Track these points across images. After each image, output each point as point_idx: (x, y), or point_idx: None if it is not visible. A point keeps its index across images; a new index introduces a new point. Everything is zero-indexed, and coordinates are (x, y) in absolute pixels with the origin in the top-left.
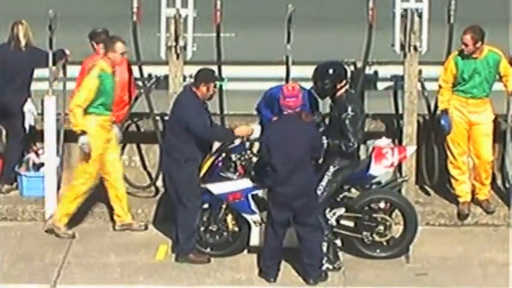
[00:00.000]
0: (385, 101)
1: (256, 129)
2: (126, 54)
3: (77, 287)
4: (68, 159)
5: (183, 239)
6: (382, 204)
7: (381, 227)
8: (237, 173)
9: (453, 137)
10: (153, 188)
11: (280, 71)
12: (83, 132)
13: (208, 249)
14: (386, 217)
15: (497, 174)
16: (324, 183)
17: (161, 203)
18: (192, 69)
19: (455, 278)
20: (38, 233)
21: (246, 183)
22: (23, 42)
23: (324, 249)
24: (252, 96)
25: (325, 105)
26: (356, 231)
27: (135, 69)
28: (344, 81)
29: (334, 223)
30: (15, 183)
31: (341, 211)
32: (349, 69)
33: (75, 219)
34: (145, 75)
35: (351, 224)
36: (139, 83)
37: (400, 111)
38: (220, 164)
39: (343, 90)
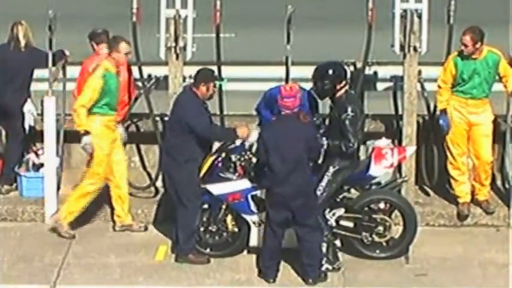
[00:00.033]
0: (385, 102)
1: (253, 134)
2: (130, 54)
3: (76, 287)
4: (68, 159)
5: (182, 240)
6: (381, 205)
7: (381, 228)
8: (237, 174)
9: (453, 137)
10: (152, 189)
11: (279, 71)
12: (86, 133)
13: (208, 250)
14: (386, 218)
15: (496, 174)
16: (323, 183)
17: (161, 204)
18: (192, 70)
19: (454, 278)
20: (38, 234)
21: (246, 183)
22: (22, 43)
23: (324, 249)
24: (252, 97)
25: (324, 105)
26: (355, 231)
27: (135, 70)
28: (344, 82)
29: (334, 224)
30: (14, 184)
31: (341, 212)
32: (349, 69)
33: (75, 220)
34: (145, 76)
35: (350, 224)
36: (139, 83)
37: (400, 112)
38: (220, 164)
39: (342, 90)
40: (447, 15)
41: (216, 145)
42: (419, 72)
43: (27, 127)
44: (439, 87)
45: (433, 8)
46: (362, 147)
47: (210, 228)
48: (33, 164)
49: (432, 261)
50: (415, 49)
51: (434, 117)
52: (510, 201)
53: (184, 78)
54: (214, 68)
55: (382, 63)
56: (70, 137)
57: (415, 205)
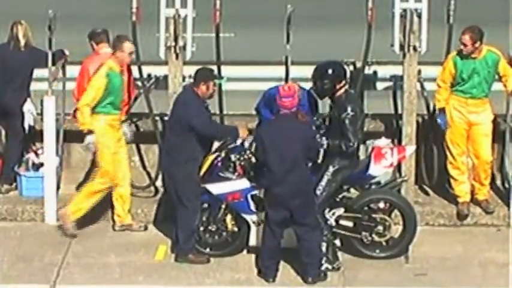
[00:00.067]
0: (385, 101)
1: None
2: (133, 54)
3: (76, 287)
4: (68, 159)
5: (182, 239)
6: (381, 204)
7: (380, 227)
8: (236, 173)
9: (452, 137)
10: (152, 188)
11: (279, 71)
12: (90, 132)
13: (208, 249)
14: (386, 217)
15: (496, 174)
16: (323, 183)
17: (161, 203)
18: (192, 70)
19: (454, 278)
20: (38, 233)
21: (245, 183)
22: (22, 42)
23: (323, 249)
24: (252, 96)
25: (324, 105)
26: (355, 231)
27: (135, 70)
28: (343, 81)
29: (334, 223)
30: (14, 184)
31: (340, 211)
32: (349, 69)
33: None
34: (145, 76)
35: (350, 224)
36: (139, 83)
37: (400, 111)
38: (219, 164)
39: (342, 90)
40: (447, 15)
41: (216, 145)
42: (419, 71)
43: (26, 127)
44: (438, 86)
45: (432, 7)
46: (362, 147)
47: (209, 227)
48: (33, 164)
49: (432, 261)
50: (414, 49)
51: (434, 116)
52: (510, 200)
53: (184, 78)
54: (214, 68)
55: (381, 62)
56: (70, 136)
57: (414, 205)
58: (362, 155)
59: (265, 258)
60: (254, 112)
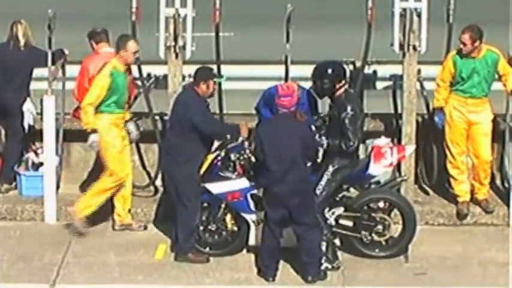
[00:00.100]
0: (384, 101)
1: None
2: (138, 53)
3: (76, 286)
4: (67, 158)
5: (182, 238)
6: (381, 204)
7: (380, 227)
8: (236, 173)
9: (452, 136)
10: (152, 188)
11: (279, 70)
12: (93, 131)
13: (207, 249)
14: (385, 216)
15: (496, 173)
16: (323, 182)
17: (160, 203)
18: (191, 69)
19: (454, 277)
20: (37, 233)
21: (245, 182)
22: (22, 42)
23: (323, 248)
24: (251, 96)
25: (324, 104)
26: (355, 230)
27: (134, 69)
28: (343, 81)
29: (333, 222)
30: (14, 183)
31: (340, 210)
32: (348, 68)
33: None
34: (145, 75)
35: (349, 223)
36: (139, 82)
37: (399, 111)
38: (219, 163)
39: (342, 89)
40: (447, 14)
41: (216, 144)
42: (419, 71)
43: (26, 126)
44: (438, 85)
45: (432, 7)
46: (361, 146)
47: (209, 227)
48: (33, 163)
49: (431, 260)
50: (414, 48)
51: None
52: (509, 200)
53: (183, 77)
54: (214, 67)
55: (381, 62)
56: (69, 135)
57: (414, 204)
58: (362, 155)
59: (265, 258)
60: (254, 111)
